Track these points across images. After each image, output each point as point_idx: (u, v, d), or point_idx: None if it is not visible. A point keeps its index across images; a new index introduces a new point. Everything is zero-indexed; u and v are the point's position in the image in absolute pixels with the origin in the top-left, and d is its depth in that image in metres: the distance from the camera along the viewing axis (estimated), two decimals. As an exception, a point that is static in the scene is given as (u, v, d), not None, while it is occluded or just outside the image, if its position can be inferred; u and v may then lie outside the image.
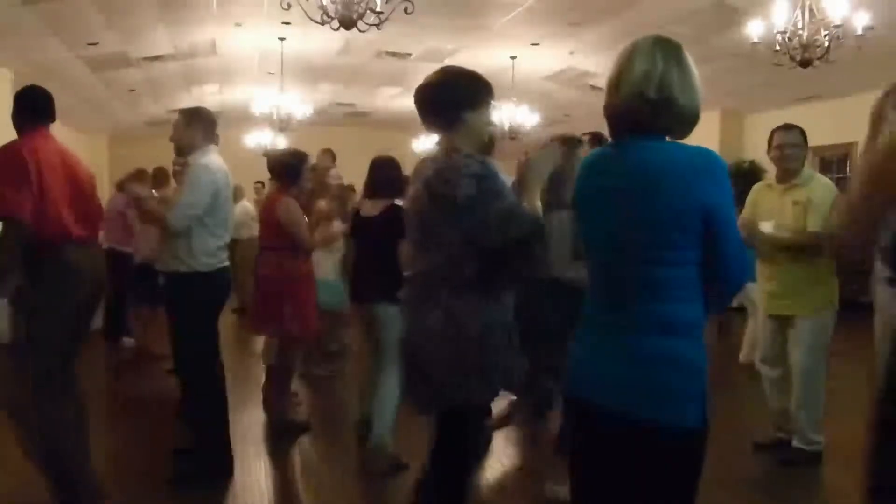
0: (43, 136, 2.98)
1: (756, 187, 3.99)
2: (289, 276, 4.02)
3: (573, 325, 1.82)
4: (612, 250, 1.68)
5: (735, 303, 7.50)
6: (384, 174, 3.92)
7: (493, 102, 2.36)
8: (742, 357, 6.27)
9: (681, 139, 1.68)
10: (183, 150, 3.47)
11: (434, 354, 2.21)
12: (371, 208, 3.87)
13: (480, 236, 2.14)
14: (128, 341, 6.66)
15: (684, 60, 1.67)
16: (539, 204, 2.23)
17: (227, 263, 3.53)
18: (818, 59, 5.18)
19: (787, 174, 3.72)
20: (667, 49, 1.67)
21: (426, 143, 11.85)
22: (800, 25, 5.17)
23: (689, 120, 1.66)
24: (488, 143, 2.37)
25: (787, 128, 3.79)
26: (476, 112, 2.28)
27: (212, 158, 3.43)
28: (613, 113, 1.68)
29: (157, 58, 8.65)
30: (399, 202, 3.68)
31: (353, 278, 4.10)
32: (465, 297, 2.19)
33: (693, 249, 1.59)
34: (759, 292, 3.96)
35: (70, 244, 2.92)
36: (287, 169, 4.18)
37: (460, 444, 2.34)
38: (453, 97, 2.27)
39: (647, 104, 1.62)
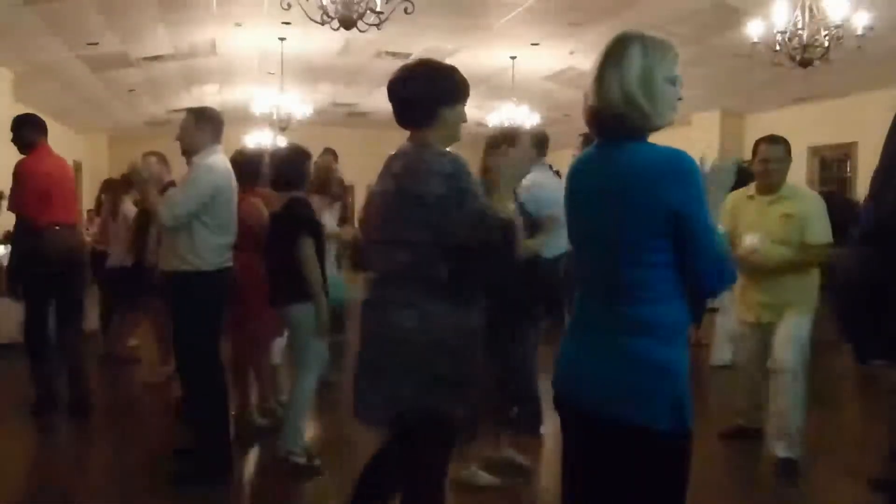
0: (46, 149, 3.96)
1: (735, 196, 3.74)
2: (255, 277, 3.89)
3: None
4: (593, 250, 1.70)
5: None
6: (290, 166, 3.70)
7: (468, 98, 2.28)
8: (715, 360, 6.05)
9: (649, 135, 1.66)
10: (189, 150, 3.47)
11: (405, 357, 2.09)
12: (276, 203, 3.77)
13: (450, 237, 2.06)
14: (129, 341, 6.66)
15: (613, 56, 1.62)
16: (511, 206, 2.16)
17: (230, 264, 3.52)
18: (818, 59, 5.18)
19: (771, 187, 3.70)
20: (616, 47, 1.63)
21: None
22: (800, 25, 5.17)
23: (645, 119, 1.62)
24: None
25: (773, 141, 3.76)
26: (452, 108, 2.21)
27: (216, 159, 3.43)
28: (588, 117, 1.69)
29: (157, 58, 8.64)
30: (299, 195, 3.64)
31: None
32: (438, 299, 2.10)
33: (666, 251, 1.58)
34: (739, 301, 3.92)
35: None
36: (248, 169, 4.13)
37: (425, 461, 2.21)
38: (431, 92, 2.19)
39: (603, 107, 1.63)
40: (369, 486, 2.39)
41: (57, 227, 4.30)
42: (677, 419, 1.58)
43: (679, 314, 1.63)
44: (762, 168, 3.71)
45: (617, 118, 1.62)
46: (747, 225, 3.69)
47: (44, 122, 4.47)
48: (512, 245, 2.12)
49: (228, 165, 3.53)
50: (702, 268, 1.59)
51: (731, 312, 6.22)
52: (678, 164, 1.57)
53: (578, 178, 1.77)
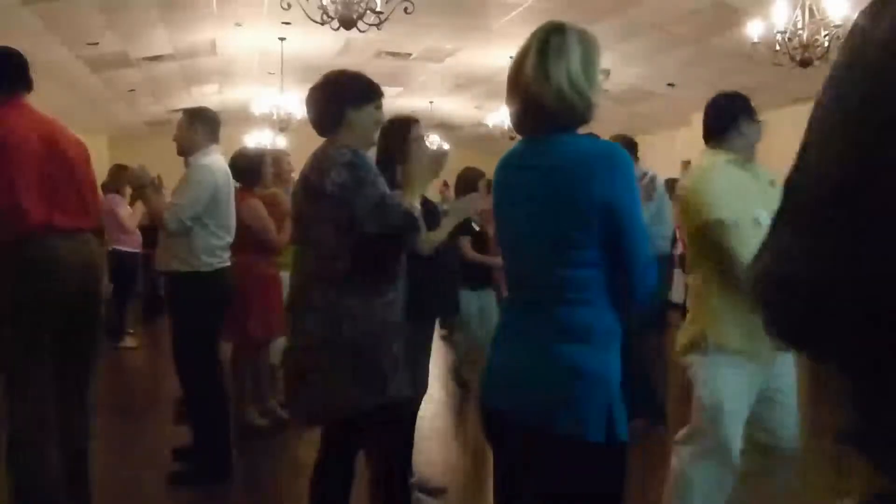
0: (17, 108, 2.59)
1: (723, 169, 2.44)
2: (254, 278, 3.94)
3: None
4: (521, 249, 1.63)
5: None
6: (467, 184, 4.26)
7: (380, 103, 2.34)
8: None
9: (578, 127, 1.59)
10: (185, 150, 3.47)
11: (315, 360, 2.15)
12: None
13: (351, 227, 2.11)
14: (128, 341, 6.67)
15: (554, 45, 1.55)
16: (416, 204, 2.20)
17: (228, 264, 3.53)
18: (818, 59, 5.18)
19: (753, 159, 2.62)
20: (539, 37, 1.57)
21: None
22: (800, 25, 5.17)
23: (588, 109, 1.56)
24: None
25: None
26: (359, 110, 2.28)
27: (213, 159, 3.44)
28: (525, 109, 1.61)
29: (157, 58, 8.64)
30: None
31: None
32: (342, 295, 2.13)
33: (595, 249, 1.50)
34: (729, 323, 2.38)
35: (49, 235, 2.55)
36: (249, 168, 4.15)
37: (381, 446, 2.31)
38: (334, 95, 2.29)
39: (525, 98, 1.57)
40: (322, 492, 2.38)
41: (63, 235, 2.60)
42: (610, 429, 1.49)
43: (610, 319, 1.55)
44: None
45: (563, 110, 1.54)
46: (755, 201, 2.31)
47: (24, 62, 2.65)
48: (414, 230, 2.18)
49: (225, 165, 3.53)
50: (632, 266, 1.52)
51: None
52: (612, 157, 1.51)
53: (506, 174, 1.68)
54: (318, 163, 2.19)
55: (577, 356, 1.51)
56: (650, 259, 1.55)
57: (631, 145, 3.90)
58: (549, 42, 1.55)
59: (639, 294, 1.57)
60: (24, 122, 2.56)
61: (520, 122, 1.63)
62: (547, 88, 1.53)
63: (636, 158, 4.00)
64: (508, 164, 1.68)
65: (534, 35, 1.58)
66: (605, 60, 1.62)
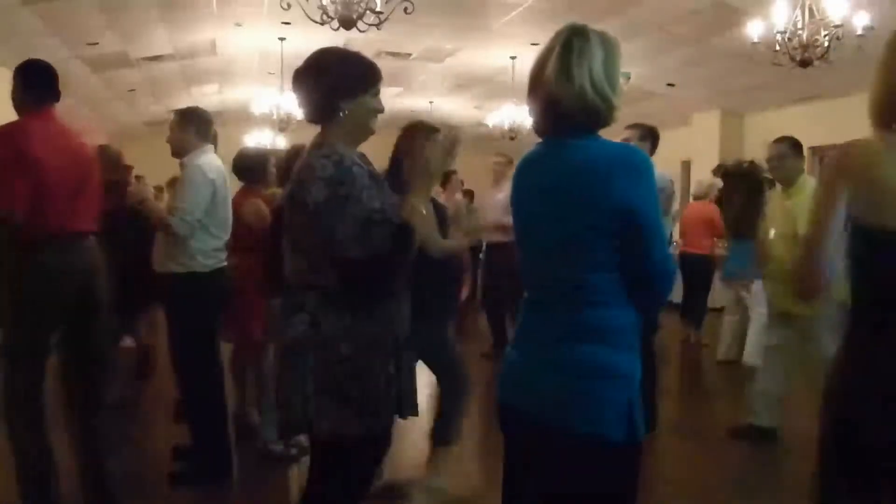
0: (43, 120, 2.79)
1: (773, 194, 4.42)
2: (255, 278, 3.85)
3: None
4: (540, 252, 1.63)
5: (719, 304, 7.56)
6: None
7: (378, 88, 2.06)
8: (720, 355, 6.42)
9: (598, 130, 1.59)
10: (179, 151, 3.46)
11: (298, 369, 1.91)
12: None
13: (336, 246, 1.87)
14: (127, 341, 6.65)
15: (577, 47, 1.56)
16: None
17: (225, 264, 3.52)
18: (818, 59, 5.18)
19: (782, 183, 4.06)
20: (561, 38, 1.59)
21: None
22: (800, 25, 5.16)
23: (611, 112, 1.57)
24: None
25: (777, 140, 4.09)
26: (355, 101, 1.99)
27: (207, 159, 3.42)
28: (546, 110, 1.61)
29: (157, 58, 8.65)
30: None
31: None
32: (334, 307, 1.91)
33: (612, 252, 1.51)
34: (772, 292, 4.18)
35: (63, 239, 2.73)
36: (252, 168, 4.13)
37: (332, 479, 2.00)
38: (326, 85, 1.98)
39: (546, 99, 1.57)
40: None
41: (64, 239, 2.75)
42: (630, 428, 1.51)
43: (628, 318, 1.56)
44: (768, 166, 4.14)
45: (584, 111, 1.54)
46: (772, 220, 4.03)
47: (55, 76, 2.97)
48: (406, 251, 1.93)
49: (220, 164, 3.51)
50: (649, 268, 1.53)
51: (736, 311, 6.38)
52: (630, 159, 1.51)
53: (525, 177, 1.69)
54: (301, 171, 1.94)
55: (592, 356, 1.52)
56: (669, 262, 1.57)
57: (653, 134, 4.01)
58: (571, 43, 1.56)
59: (657, 297, 1.61)
60: (47, 134, 2.77)
61: (540, 123, 1.63)
62: (569, 89, 1.53)
63: (656, 147, 4.15)
64: (527, 166, 1.69)
65: (556, 37, 1.60)
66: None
